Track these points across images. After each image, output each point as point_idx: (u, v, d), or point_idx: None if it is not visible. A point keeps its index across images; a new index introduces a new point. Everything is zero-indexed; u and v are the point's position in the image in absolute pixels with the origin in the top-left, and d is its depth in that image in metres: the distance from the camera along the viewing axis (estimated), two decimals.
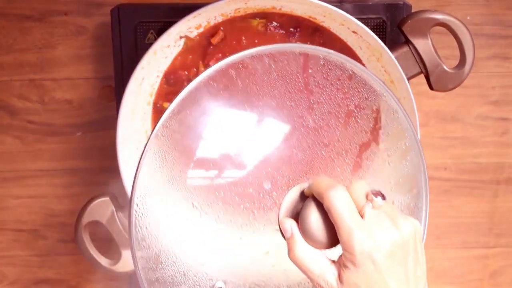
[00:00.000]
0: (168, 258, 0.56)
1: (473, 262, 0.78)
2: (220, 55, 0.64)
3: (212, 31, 0.63)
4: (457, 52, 0.62)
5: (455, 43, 0.61)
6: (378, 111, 0.61)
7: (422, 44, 0.61)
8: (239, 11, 0.62)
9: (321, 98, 0.59)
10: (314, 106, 0.59)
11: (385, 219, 0.47)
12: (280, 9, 0.62)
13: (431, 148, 0.74)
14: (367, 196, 0.48)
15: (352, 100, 0.58)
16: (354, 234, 0.46)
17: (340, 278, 0.47)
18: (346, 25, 0.61)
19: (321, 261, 0.48)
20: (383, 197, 0.48)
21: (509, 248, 0.77)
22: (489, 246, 0.77)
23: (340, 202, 0.47)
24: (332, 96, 0.58)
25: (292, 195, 0.51)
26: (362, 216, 0.47)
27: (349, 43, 0.64)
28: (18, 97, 0.72)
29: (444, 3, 0.71)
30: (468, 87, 0.73)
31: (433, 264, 0.78)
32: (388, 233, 0.47)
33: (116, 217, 0.64)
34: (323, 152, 0.59)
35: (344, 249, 0.46)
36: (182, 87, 0.65)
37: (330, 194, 0.47)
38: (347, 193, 0.48)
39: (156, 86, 0.65)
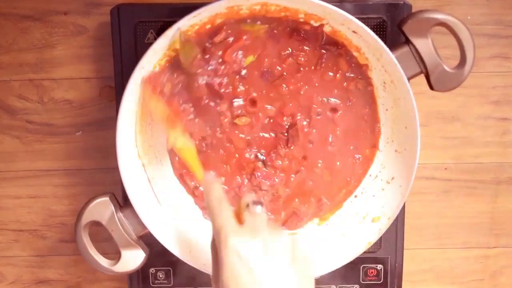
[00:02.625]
0: None
1: (473, 263, 0.78)
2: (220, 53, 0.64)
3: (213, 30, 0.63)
4: (457, 52, 0.62)
5: (456, 43, 0.61)
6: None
7: (422, 44, 0.61)
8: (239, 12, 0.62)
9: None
10: None
11: (262, 226, 0.50)
12: (280, 7, 0.62)
13: (431, 148, 0.74)
14: (247, 204, 0.51)
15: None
16: (228, 234, 0.49)
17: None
18: (346, 24, 0.61)
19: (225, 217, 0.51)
20: (261, 205, 0.52)
21: (509, 248, 0.77)
22: (489, 246, 0.77)
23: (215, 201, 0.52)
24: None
25: None
26: (240, 221, 0.51)
27: (346, 43, 0.64)
28: (18, 97, 0.72)
29: (444, 3, 0.71)
30: (468, 87, 0.72)
31: (433, 264, 0.78)
32: (261, 238, 0.49)
33: (116, 217, 0.64)
34: None
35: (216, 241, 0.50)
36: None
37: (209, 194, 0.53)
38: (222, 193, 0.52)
39: None
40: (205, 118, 0.66)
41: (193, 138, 0.65)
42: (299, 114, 0.66)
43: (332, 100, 0.66)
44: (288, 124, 0.67)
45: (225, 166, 0.68)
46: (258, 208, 0.51)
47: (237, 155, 0.67)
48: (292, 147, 0.67)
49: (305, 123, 0.67)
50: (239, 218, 0.51)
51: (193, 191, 0.69)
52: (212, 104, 0.65)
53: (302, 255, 0.50)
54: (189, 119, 0.65)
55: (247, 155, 0.67)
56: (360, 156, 0.68)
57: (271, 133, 0.67)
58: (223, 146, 0.67)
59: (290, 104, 0.66)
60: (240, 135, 0.67)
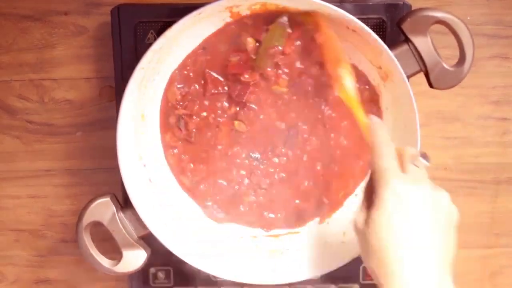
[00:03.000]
0: None
1: (473, 262, 0.78)
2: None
3: None
4: (457, 52, 0.62)
5: (455, 43, 0.61)
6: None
7: (422, 42, 0.61)
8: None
9: None
10: None
11: (424, 178, 0.51)
12: (279, 6, 0.62)
13: (431, 148, 0.74)
14: (413, 156, 0.52)
15: None
16: (392, 176, 0.49)
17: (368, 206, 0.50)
18: (346, 24, 0.61)
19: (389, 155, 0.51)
20: (427, 160, 0.52)
21: (509, 248, 0.77)
22: (489, 246, 0.77)
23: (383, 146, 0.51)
24: None
25: None
26: (404, 170, 0.50)
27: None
28: (18, 97, 0.72)
29: (444, 3, 0.71)
30: (468, 87, 0.73)
31: None
32: (423, 188, 0.50)
33: (117, 218, 0.64)
34: None
35: (376, 186, 0.50)
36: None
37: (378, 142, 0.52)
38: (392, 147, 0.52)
39: None
40: (211, 101, 0.66)
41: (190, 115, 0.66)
42: (300, 122, 0.67)
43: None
44: (287, 128, 0.67)
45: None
46: (425, 161, 0.52)
47: (219, 147, 0.67)
48: (289, 151, 0.67)
49: (305, 127, 0.67)
50: (400, 166, 0.52)
51: (191, 191, 0.69)
52: (221, 91, 0.66)
53: (455, 218, 0.51)
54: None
55: (237, 151, 0.67)
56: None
57: (267, 136, 0.67)
58: (207, 137, 0.67)
59: (293, 115, 0.66)
60: (230, 135, 0.67)
